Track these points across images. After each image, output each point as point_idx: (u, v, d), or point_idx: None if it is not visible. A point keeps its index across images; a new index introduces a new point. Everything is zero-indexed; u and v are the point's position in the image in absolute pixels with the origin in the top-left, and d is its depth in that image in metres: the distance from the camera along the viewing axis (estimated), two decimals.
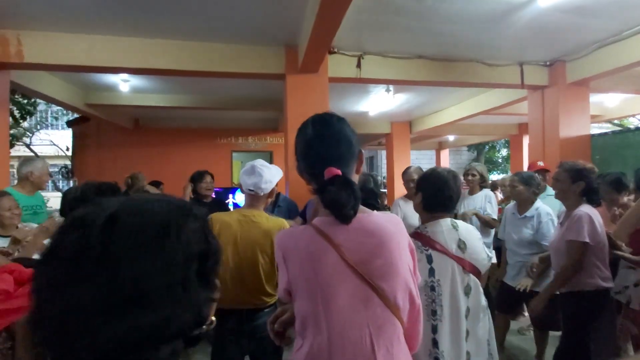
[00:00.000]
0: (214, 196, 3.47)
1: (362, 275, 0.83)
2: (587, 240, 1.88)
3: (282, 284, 0.91)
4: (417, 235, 1.40)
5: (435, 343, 1.32)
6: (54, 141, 11.26)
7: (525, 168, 4.57)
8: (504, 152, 12.85)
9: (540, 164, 3.58)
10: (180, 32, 3.16)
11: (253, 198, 1.69)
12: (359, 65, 3.63)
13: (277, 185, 1.76)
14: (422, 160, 14.15)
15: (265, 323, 1.59)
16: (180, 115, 6.68)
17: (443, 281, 1.34)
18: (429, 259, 1.34)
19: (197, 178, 3.19)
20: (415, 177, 2.53)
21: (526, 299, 2.43)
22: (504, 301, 2.69)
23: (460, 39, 3.40)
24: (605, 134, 4.25)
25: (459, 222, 1.46)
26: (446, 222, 1.42)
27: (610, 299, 2.02)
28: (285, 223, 1.72)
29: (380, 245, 0.85)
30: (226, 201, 4.53)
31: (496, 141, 12.43)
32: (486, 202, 3.06)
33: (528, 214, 2.53)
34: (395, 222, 0.91)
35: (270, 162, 7.78)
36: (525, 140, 7.39)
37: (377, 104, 5.67)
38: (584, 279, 1.93)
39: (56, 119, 12.86)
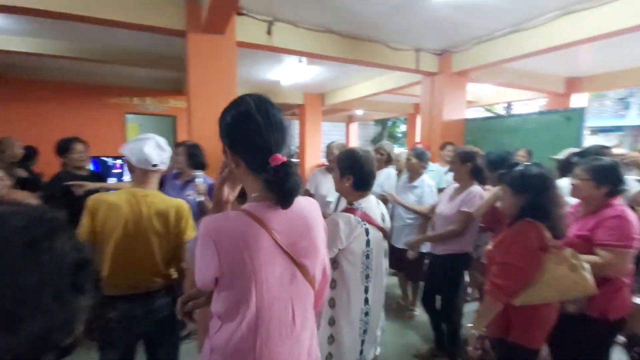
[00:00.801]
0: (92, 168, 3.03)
1: (290, 255, 0.90)
2: (473, 211, 2.28)
3: (210, 272, 0.86)
4: (352, 211, 1.56)
5: (366, 300, 1.56)
6: None
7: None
8: (403, 127, 14.26)
9: (420, 146, 4.08)
10: None
11: (149, 175, 1.54)
12: (269, 32, 3.50)
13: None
14: (333, 132, 14.73)
15: (163, 305, 1.56)
16: (59, 65, 5.47)
17: (375, 249, 1.56)
18: (367, 232, 1.53)
19: (63, 148, 2.64)
20: (336, 152, 2.69)
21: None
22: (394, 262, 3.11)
23: (368, 19, 3.55)
24: (475, 119, 5.06)
25: (384, 190, 1.68)
26: (373, 198, 1.64)
27: (471, 259, 2.53)
28: (183, 203, 1.62)
29: (307, 228, 0.93)
30: (114, 171, 4.00)
31: (397, 118, 13.68)
32: (385, 179, 3.35)
33: (416, 183, 2.97)
34: (315, 206, 1.00)
35: (174, 128, 7.14)
36: (419, 119, 8.34)
37: (289, 73, 5.61)
38: (463, 244, 2.36)
39: None
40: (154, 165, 1.51)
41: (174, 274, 1.62)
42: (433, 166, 3.61)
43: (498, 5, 3.22)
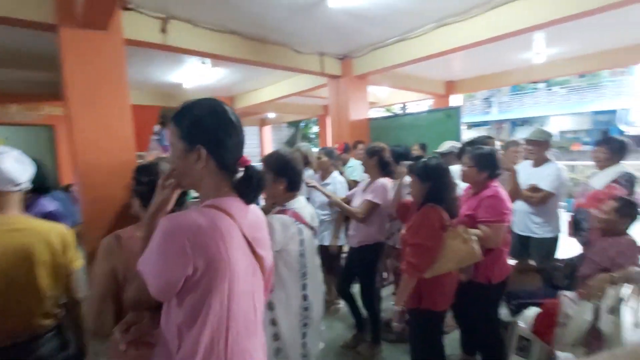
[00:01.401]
0: None
1: (253, 248, 0.94)
2: (378, 201, 2.45)
3: (177, 271, 0.80)
4: (284, 212, 1.56)
5: (305, 297, 1.60)
6: None
7: (329, 143, 5.43)
8: (316, 129, 14.74)
9: (336, 146, 4.32)
10: None
11: (9, 197, 1.27)
12: (164, 30, 3.23)
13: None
14: (247, 135, 14.36)
15: (50, 351, 1.29)
16: None
17: (308, 248, 1.59)
18: (300, 232, 1.55)
19: None
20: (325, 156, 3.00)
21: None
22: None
23: (272, 22, 3.55)
24: (377, 118, 5.54)
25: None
26: (302, 198, 1.67)
27: (385, 247, 2.72)
28: (64, 227, 1.39)
29: (261, 222, 1.02)
30: None
31: (309, 119, 14.08)
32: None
33: (328, 180, 3.10)
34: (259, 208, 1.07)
35: (52, 140, 6.03)
36: (329, 120, 8.74)
37: (192, 76, 5.27)
38: (374, 234, 2.52)
39: None
40: (17, 185, 1.26)
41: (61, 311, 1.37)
42: (352, 162, 3.97)
43: (386, 16, 3.56)
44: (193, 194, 2.25)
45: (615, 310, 1.87)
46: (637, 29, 4.18)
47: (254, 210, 1.01)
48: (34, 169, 1.34)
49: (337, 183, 3.11)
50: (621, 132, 13.11)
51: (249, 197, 0.95)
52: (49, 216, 1.81)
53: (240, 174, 0.95)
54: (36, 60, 4.09)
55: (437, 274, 1.75)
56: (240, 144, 0.95)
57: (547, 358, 2.34)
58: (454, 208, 1.87)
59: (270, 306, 1.55)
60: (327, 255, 3.02)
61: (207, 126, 0.90)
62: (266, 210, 1.45)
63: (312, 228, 1.67)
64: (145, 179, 1.25)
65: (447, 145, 3.18)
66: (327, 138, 8.88)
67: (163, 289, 0.82)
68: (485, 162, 1.98)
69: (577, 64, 5.31)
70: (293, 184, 1.61)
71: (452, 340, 2.44)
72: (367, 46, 4.51)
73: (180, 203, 1.01)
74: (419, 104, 10.45)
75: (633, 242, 1.92)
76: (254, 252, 0.94)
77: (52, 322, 1.32)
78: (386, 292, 3.22)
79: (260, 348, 0.99)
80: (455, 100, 7.02)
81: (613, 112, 14.97)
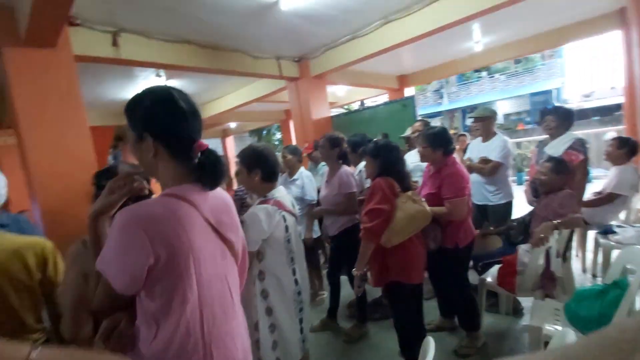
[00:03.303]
0: None
1: (219, 232, 0.94)
2: (355, 190, 2.59)
3: (139, 263, 0.79)
4: (267, 202, 1.61)
5: (296, 281, 1.67)
6: None
7: None
8: (278, 135, 14.78)
9: (306, 145, 4.41)
10: None
11: None
12: (115, 44, 3.18)
13: None
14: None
15: None
16: None
17: (292, 234, 1.66)
18: (284, 219, 1.62)
19: None
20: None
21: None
22: None
23: (226, 29, 3.61)
24: (339, 115, 5.76)
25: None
26: (282, 188, 1.73)
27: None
28: (44, 241, 1.35)
29: (226, 206, 1.01)
30: None
31: (271, 126, 14.10)
32: None
33: (296, 176, 3.19)
34: (224, 191, 1.07)
35: None
36: (292, 124, 8.84)
37: None
38: (349, 219, 2.65)
39: None
40: None
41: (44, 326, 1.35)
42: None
43: (335, 16, 3.75)
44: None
45: (563, 256, 2.14)
46: (561, 13, 4.70)
47: (218, 195, 0.99)
48: (5, 182, 1.32)
49: (304, 178, 3.21)
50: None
51: (205, 182, 0.91)
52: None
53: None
54: None
55: (397, 242, 1.86)
56: (193, 129, 0.91)
57: (514, 308, 2.60)
58: (404, 180, 2.02)
59: (263, 294, 1.59)
60: (305, 248, 3.12)
61: (153, 114, 0.89)
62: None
63: (294, 215, 1.75)
64: (106, 183, 1.25)
65: (410, 130, 3.41)
66: (292, 142, 8.98)
67: (128, 283, 0.82)
68: (437, 140, 2.15)
69: (512, 49, 5.84)
70: (268, 175, 1.67)
71: (432, 307, 2.63)
72: (321, 47, 4.68)
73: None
74: (375, 100, 10.90)
75: (570, 194, 2.20)
76: (220, 236, 0.95)
77: (38, 336, 1.30)
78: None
79: (243, 332, 1.01)
80: (408, 93, 7.42)
81: (548, 92, 16.50)
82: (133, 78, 4.72)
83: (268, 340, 1.59)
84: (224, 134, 11.72)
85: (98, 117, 6.13)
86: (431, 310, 2.56)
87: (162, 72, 4.54)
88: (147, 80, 4.77)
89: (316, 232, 3.22)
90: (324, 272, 3.32)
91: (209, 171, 0.91)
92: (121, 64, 3.37)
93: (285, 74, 4.83)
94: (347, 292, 2.97)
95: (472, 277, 2.41)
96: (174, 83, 5.15)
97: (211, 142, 12.01)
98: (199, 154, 0.91)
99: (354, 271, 1.96)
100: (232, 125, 10.47)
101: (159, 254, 0.80)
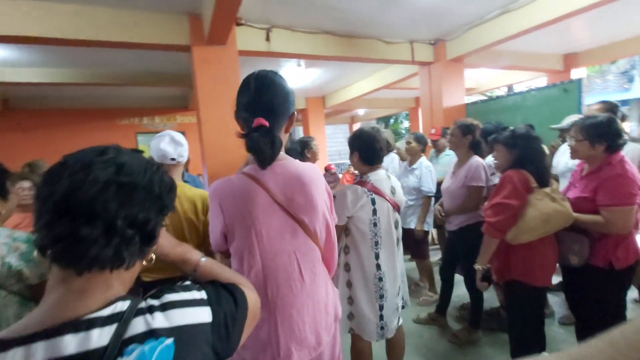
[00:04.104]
0: None
1: (287, 211, 0.98)
2: (483, 184, 2.37)
3: (218, 229, 1.01)
4: (361, 183, 1.69)
5: (378, 267, 1.68)
6: None
7: None
8: (406, 124, 14.31)
9: (433, 131, 4.17)
10: None
11: (170, 169, 1.69)
12: (268, 39, 3.68)
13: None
14: (337, 134, 14.86)
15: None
16: (66, 93, 5.78)
17: (382, 218, 1.68)
18: (373, 202, 1.67)
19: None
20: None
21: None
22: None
23: (361, 16, 3.69)
24: (476, 102, 5.14)
25: (389, 173, 1.81)
26: (382, 172, 1.76)
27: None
28: (205, 193, 1.73)
29: (301, 186, 0.99)
30: None
31: (399, 114, 13.77)
32: (390, 162, 3.68)
33: (415, 166, 3.10)
34: (313, 169, 1.06)
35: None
36: (420, 112, 8.43)
37: (290, 78, 5.77)
38: (474, 215, 2.41)
39: None
40: (172, 159, 1.65)
41: None
42: (449, 151, 3.62)
43: None
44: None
45: None
46: None
47: (294, 174, 1.00)
48: (186, 147, 1.73)
49: (423, 168, 3.09)
50: None
51: (258, 161, 0.95)
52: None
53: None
54: (171, 78, 5.09)
55: (525, 240, 1.63)
56: (250, 104, 0.96)
57: None
58: (543, 175, 1.72)
59: (346, 267, 1.68)
60: (413, 239, 3.05)
61: (238, 91, 1.01)
62: None
63: (389, 200, 1.72)
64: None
65: (568, 120, 2.76)
66: (420, 131, 8.58)
67: (213, 241, 1.04)
68: (599, 132, 1.67)
69: None
70: (365, 157, 1.74)
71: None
72: (462, 26, 4.26)
73: None
74: (529, 85, 9.23)
75: None
76: (291, 215, 0.99)
77: None
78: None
79: (313, 309, 1.02)
80: (577, 75, 5.99)
81: None
82: (277, 67, 5.36)
83: (345, 310, 1.68)
84: (352, 120, 12.12)
85: None
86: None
87: (302, 62, 5.00)
88: (289, 68, 5.35)
89: (428, 226, 3.07)
90: (436, 268, 3.15)
91: (254, 150, 0.94)
92: (271, 56, 3.89)
93: (417, 58, 4.62)
94: (460, 291, 2.76)
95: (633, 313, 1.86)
96: (311, 71, 5.61)
97: (339, 129, 12.64)
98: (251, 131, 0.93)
99: (476, 265, 1.83)
100: (361, 112, 10.72)
101: (227, 223, 0.98)
